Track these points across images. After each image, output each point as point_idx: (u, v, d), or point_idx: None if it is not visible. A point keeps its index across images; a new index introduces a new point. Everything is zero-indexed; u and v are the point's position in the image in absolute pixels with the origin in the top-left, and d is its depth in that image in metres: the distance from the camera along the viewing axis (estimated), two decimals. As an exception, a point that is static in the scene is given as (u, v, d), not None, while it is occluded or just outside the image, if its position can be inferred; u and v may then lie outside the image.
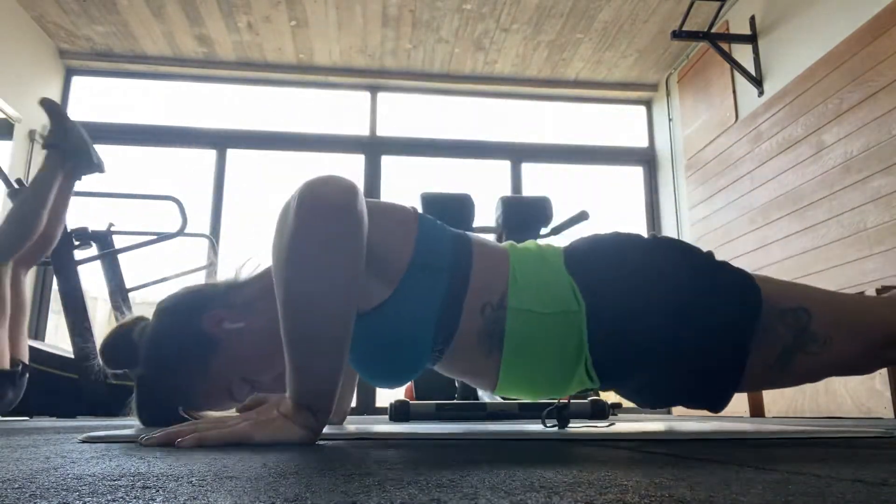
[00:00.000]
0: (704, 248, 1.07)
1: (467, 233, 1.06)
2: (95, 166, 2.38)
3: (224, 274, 1.12)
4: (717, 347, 0.97)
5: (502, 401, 2.19)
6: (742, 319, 0.96)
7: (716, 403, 1.01)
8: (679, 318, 0.97)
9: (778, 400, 2.73)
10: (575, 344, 0.96)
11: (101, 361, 1.10)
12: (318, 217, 0.83)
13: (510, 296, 0.97)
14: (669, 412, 4.16)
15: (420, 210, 1.17)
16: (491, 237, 2.79)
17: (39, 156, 4.16)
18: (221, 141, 4.57)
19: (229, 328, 1.02)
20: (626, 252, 1.04)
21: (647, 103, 4.94)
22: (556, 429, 1.24)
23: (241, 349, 1.02)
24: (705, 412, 3.29)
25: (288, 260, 0.83)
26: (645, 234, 1.08)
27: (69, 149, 2.30)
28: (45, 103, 2.32)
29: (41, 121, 4.20)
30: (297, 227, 0.82)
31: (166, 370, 1.04)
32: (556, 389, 1.03)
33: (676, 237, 2.53)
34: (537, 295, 0.98)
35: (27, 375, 2.18)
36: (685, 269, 1.01)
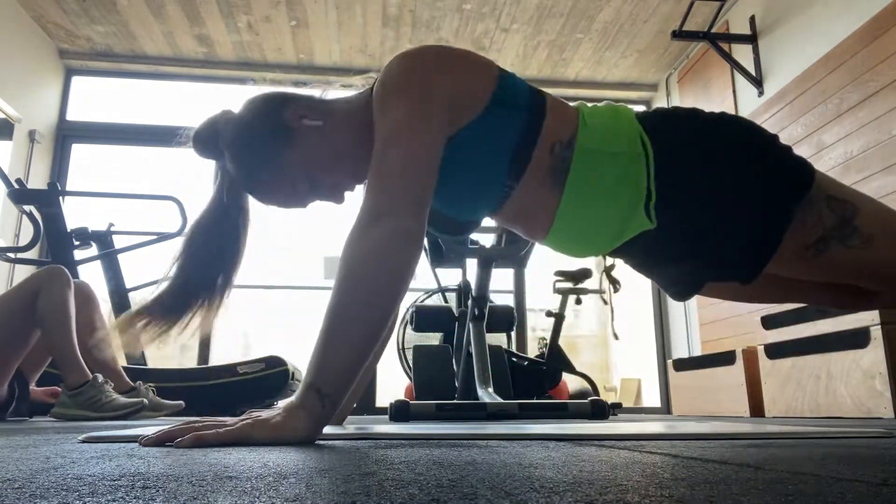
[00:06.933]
0: None
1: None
2: None
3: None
4: (765, 204, 1.02)
5: (502, 401, 2.19)
6: (793, 186, 1.02)
7: (750, 269, 1.05)
8: (736, 170, 1.03)
9: (778, 400, 2.72)
10: (638, 184, 1.02)
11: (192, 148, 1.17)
12: (392, 244, 0.88)
13: (579, 136, 1.05)
14: (669, 411, 4.16)
15: None
16: (492, 236, 2.79)
17: (39, 156, 4.17)
18: (221, 141, 4.57)
19: (308, 124, 1.09)
20: (696, 115, 1.11)
21: (647, 103, 4.94)
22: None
23: (314, 146, 1.09)
24: (705, 414, 3.29)
25: (355, 256, 0.87)
26: None
27: None
28: None
29: (41, 121, 4.21)
30: (372, 245, 0.88)
31: (242, 153, 1.11)
32: (609, 235, 1.07)
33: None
34: (605, 136, 1.05)
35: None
36: (749, 135, 1.08)
